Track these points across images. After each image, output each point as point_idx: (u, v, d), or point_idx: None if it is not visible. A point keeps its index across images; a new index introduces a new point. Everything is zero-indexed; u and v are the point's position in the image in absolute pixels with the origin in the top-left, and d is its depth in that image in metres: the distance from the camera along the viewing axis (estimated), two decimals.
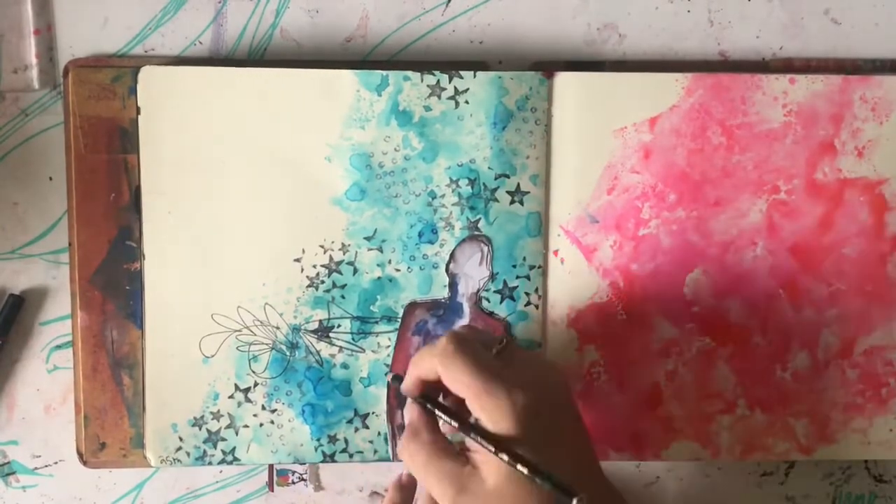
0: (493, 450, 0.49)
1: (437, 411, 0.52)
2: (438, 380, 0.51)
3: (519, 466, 0.48)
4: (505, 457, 0.48)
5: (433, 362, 0.51)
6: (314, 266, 0.58)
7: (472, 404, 0.50)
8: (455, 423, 0.51)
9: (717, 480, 0.63)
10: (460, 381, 0.50)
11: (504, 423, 0.49)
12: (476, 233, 0.58)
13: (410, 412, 0.54)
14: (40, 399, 0.60)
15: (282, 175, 0.57)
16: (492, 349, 0.53)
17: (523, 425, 0.49)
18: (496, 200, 0.58)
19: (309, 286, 0.58)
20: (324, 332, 0.58)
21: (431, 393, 0.53)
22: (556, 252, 0.59)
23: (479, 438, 0.49)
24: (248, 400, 0.58)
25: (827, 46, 0.60)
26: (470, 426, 0.50)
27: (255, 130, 0.57)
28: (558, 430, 0.51)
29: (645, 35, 0.60)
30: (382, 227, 0.57)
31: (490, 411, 0.49)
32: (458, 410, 0.51)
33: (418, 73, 0.57)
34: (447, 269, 0.58)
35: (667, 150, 0.58)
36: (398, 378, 0.55)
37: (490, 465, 0.49)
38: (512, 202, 0.58)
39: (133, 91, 0.56)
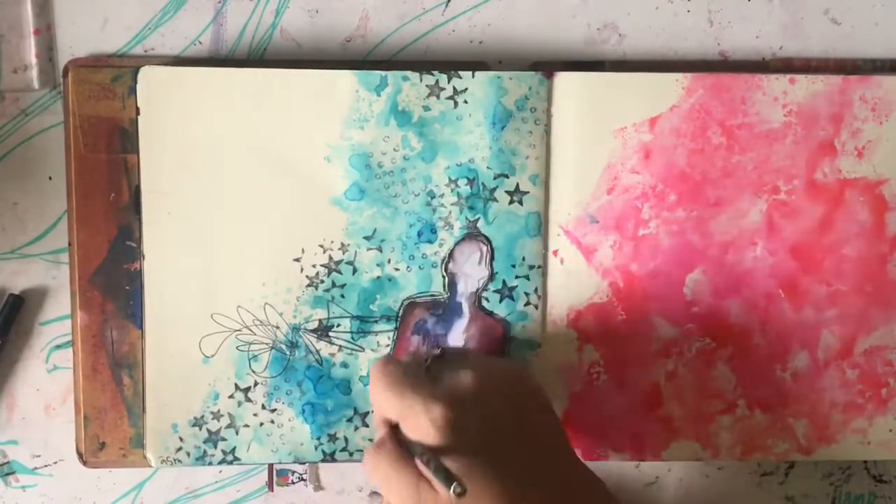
0: (421, 460, 0.49)
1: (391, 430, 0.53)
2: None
3: (428, 470, 0.48)
4: (421, 465, 0.48)
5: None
6: (314, 266, 0.58)
7: (401, 425, 0.51)
8: (397, 439, 0.51)
9: (717, 480, 0.63)
10: (384, 404, 0.51)
11: (427, 437, 0.49)
12: (475, 232, 0.58)
13: (378, 433, 0.54)
14: (40, 399, 0.60)
15: (281, 175, 0.57)
16: (425, 363, 0.54)
17: (446, 435, 0.49)
18: (495, 200, 0.58)
19: (308, 286, 0.58)
20: (323, 331, 0.58)
21: None
22: (555, 252, 0.59)
23: (414, 448, 0.50)
24: (248, 399, 0.58)
25: (827, 46, 0.60)
26: (407, 441, 0.50)
27: (255, 130, 0.57)
28: (501, 436, 0.51)
29: (645, 35, 0.60)
30: (382, 227, 0.57)
31: (413, 428, 0.50)
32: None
33: (417, 74, 0.57)
34: (445, 269, 0.58)
35: (667, 151, 0.58)
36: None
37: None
38: (511, 202, 0.58)
39: (133, 91, 0.56)
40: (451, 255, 0.58)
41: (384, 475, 0.51)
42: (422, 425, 0.49)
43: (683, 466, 0.63)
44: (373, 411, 0.58)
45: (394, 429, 0.52)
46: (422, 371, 0.53)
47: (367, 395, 0.58)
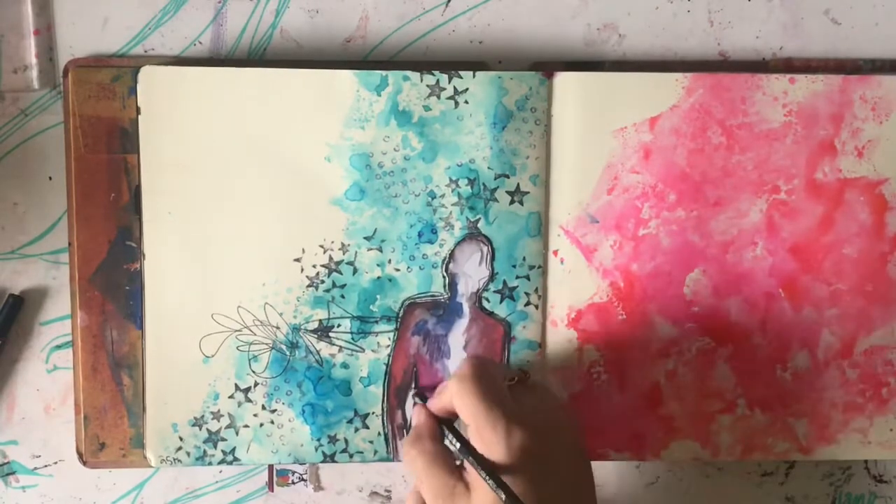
0: (483, 474, 0.49)
1: (444, 426, 0.53)
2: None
3: (501, 493, 0.48)
4: (491, 482, 0.49)
5: (452, 384, 0.52)
6: (314, 266, 0.58)
7: (471, 431, 0.51)
8: (457, 444, 0.52)
9: (717, 480, 0.63)
10: (466, 406, 0.51)
11: (496, 456, 0.50)
12: (475, 232, 0.58)
13: (418, 416, 0.55)
14: (40, 399, 0.60)
15: (281, 175, 0.57)
16: (507, 381, 0.54)
17: (515, 462, 0.49)
18: (496, 200, 0.58)
19: (309, 286, 0.58)
20: (324, 331, 0.58)
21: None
22: (555, 252, 0.59)
23: (471, 460, 0.50)
24: (248, 400, 0.58)
25: (827, 46, 0.60)
26: (469, 447, 0.51)
27: (255, 130, 0.57)
28: (556, 473, 0.51)
29: (645, 35, 0.60)
30: (382, 227, 0.57)
31: (486, 442, 0.50)
32: (462, 431, 0.52)
33: (418, 74, 0.57)
34: (446, 269, 0.58)
35: (667, 150, 0.58)
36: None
37: (481, 489, 0.49)
38: (512, 202, 0.58)
39: (133, 91, 0.56)
40: (451, 255, 0.58)
41: (419, 471, 0.52)
42: (494, 444, 0.50)
43: (683, 466, 0.63)
44: (414, 392, 0.59)
45: (446, 425, 0.53)
46: (506, 388, 0.53)
47: (367, 397, 0.58)
